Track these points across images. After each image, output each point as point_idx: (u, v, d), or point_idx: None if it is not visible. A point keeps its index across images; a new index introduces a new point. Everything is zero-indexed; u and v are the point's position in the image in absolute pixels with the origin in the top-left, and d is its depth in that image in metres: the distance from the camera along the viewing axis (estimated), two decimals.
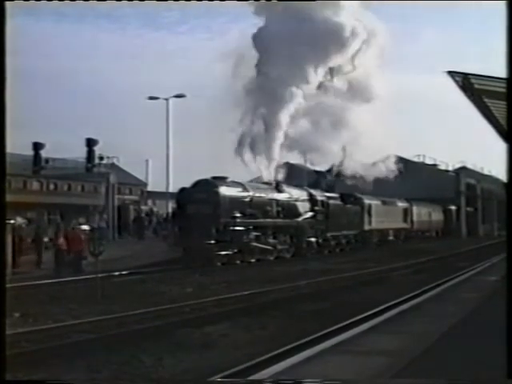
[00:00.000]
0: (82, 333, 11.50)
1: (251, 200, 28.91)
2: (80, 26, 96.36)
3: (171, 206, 41.65)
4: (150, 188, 63.48)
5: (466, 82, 12.66)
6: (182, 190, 28.40)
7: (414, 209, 52.02)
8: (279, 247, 30.69)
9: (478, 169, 77.94)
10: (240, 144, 34.56)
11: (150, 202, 61.94)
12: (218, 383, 7.33)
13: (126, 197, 55.89)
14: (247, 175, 36.77)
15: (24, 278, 19.72)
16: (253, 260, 28.19)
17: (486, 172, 79.19)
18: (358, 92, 39.02)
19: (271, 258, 29.69)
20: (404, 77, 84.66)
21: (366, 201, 42.32)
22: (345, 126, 38.35)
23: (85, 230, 30.18)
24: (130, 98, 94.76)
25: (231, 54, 34.49)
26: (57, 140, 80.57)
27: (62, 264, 23.18)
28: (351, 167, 45.05)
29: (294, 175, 40.04)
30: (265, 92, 34.51)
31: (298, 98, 36.03)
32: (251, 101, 35.10)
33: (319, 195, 35.50)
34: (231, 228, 26.82)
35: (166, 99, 46.29)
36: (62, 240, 23.93)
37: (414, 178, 56.74)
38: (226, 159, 33.31)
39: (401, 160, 53.75)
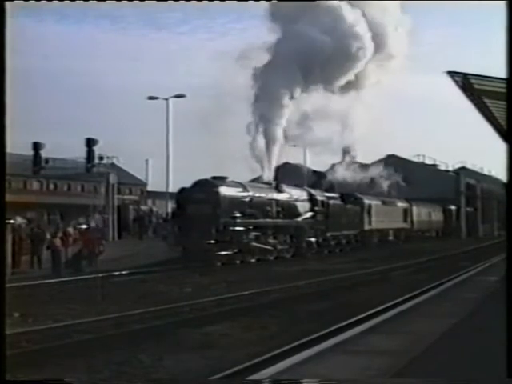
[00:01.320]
0: (82, 333, 11.49)
1: (251, 200, 28.89)
2: (80, 26, 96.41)
3: (171, 205, 41.64)
4: (150, 188, 63.55)
5: (466, 82, 12.64)
6: (182, 189, 28.39)
7: (414, 209, 51.99)
8: (279, 247, 30.68)
9: (477, 169, 78.11)
10: (240, 144, 34.58)
11: (149, 202, 61.93)
12: (218, 383, 7.33)
13: (125, 197, 55.89)
14: (247, 175, 36.80)
15: (24, 278, 19.71)
16: (253, 260, 28.19)
17: (485, 172, 79.37)
18: (359, 93, 39.06)
19: (271, 258, 29.68)
20: (404, 77, 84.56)
21: (366, 201, 42.32)
22: (345, 126, 38.39)
23: (83, 230, 30.24)
24: (130, 98, 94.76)
25: (232, 54, 34.53)
26: (57, 140, 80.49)
27: (60, 264, 23.18)
28: (351, 168, 45.15)
29: (294, 175, 40.04)
30: (266, 92, 34.48)
31: (300, 99, 36.07)
32: (252, 100, 35.10)
33: (319, 195, 35.48)
34: (231, 228, 26.81)
35: (166, 99, 46.30)
36: (58, 240, 23.93)
37: (414, 178, 56.74)
38: (226, 159, 33.29)
39: (401, 160, 53.87)
